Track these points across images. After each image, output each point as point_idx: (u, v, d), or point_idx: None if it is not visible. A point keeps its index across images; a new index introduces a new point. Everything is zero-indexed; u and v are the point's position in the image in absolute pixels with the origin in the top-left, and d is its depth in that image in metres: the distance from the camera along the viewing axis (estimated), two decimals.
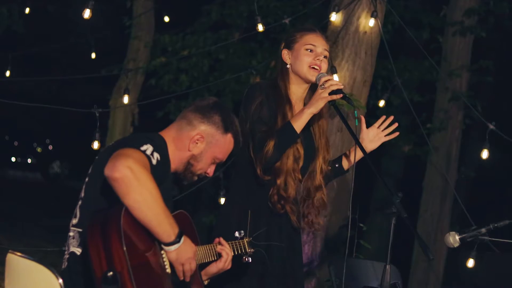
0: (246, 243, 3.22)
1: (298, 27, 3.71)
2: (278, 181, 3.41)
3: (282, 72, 3.55)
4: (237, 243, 3.20)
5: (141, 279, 2.54)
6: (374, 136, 3.59)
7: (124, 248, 2.51)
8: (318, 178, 3.54)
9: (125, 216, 2.56)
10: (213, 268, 3.08)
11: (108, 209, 2.65)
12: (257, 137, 3.38)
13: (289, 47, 3.55)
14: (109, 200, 2.66)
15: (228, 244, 3.13)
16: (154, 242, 2.67)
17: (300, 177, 3.49)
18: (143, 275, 2.57)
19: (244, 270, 3.36)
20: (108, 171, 2.55)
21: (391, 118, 3.60)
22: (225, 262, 3.08)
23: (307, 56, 3.47)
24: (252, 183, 3.46)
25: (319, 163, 3.54)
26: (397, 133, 3.62)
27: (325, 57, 3.51)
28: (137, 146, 2.71)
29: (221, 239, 3.12)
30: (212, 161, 3.03)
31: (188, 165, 2.98)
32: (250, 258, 3.23)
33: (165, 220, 2.62)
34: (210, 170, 3.05)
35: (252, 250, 3.25)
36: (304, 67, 3.47)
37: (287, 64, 3.53)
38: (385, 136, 3.61)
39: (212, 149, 3.00)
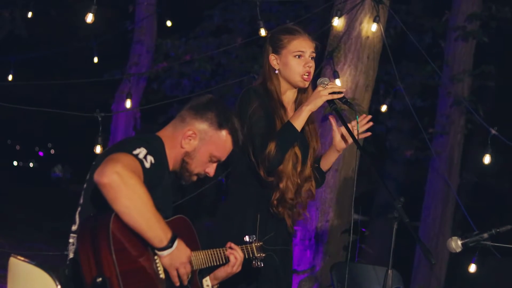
0: (255, 248, 3.19)
1: (282, 28, 3.59)
2: (279, 186, 3.39)
3: (270, 77, 3.49)
4: (247, 248, 3.17)
5: (131, 285, 2.53)
6: (343, 136, 3.50)
7: (113, 254, 2.50)
8: (308, 169, 3.50)
9: (115, 221, 2.55)
10: (222, 272, 3.07)
11: (98, 215, 2.64)
12: (257, 140, 3.34)
13: (276, 51, 3.47)
14: (103, 206, 2.62)
15: (240, 248, 3.10)
16: (147, 247, 2.65)
17: (299, 181, 3.46)
18: (133, 280, 2.55)
19: (254, 275, 3.34)
20: (97, 176, 2.54)
21: (369, 117, 3.52)
22: (233, 267, 3.06)
23: (297, 65, 3.42)
24: (251, 188, 3.44)
25: (309, 154, 3.51)
26: (369, 133, 3.55)
27: (312, 58, 3.47)
28: (129, 150, 2.68)
29: (232, 244, 3.09)
30: (209, 159, 2.94)
31: (183, 163, 2.91)
32: (261, 263, 3.20)
33: (156, 225, 2.59)
34: (210, 170, 2.96)
35: (263, 254, 3.22)
36: (296, 77, 3.43)
37: (275, 70, 3.48)
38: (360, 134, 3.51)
39: (206, 146, 2.91)
